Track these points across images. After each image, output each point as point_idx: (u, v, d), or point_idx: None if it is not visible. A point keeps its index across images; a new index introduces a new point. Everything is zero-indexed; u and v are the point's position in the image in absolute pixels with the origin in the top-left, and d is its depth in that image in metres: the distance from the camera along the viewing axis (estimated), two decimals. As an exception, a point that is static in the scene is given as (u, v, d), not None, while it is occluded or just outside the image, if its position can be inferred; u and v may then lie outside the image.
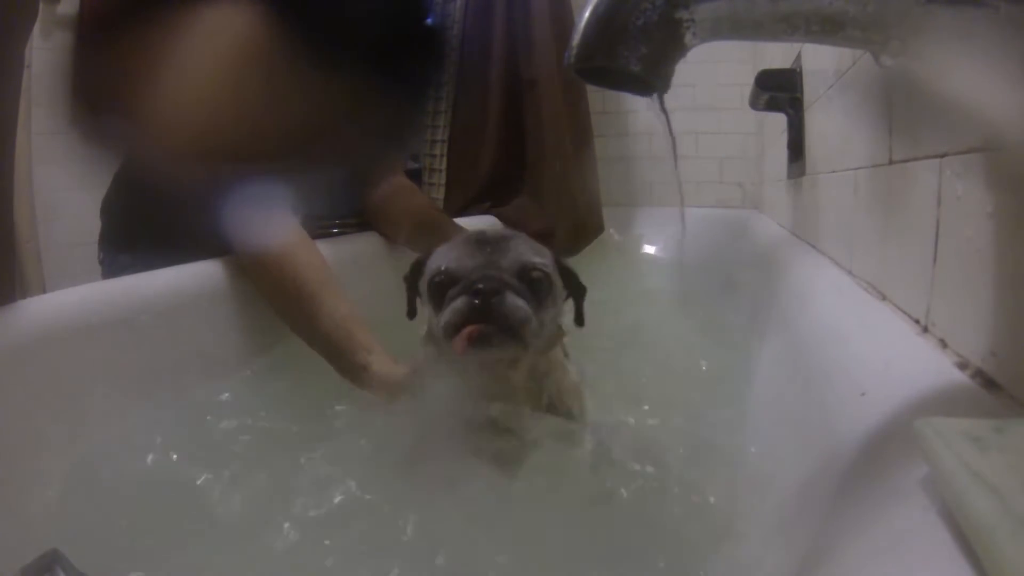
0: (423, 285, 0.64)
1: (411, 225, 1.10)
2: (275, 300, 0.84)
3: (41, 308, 0.64)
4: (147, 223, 0.79)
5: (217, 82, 0.46)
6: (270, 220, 0.76)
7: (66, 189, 1.55)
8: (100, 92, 0.46)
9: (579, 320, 0.69)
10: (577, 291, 0.68)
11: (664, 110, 0.44)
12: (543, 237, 1.89)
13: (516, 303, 0.56)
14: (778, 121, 1.13)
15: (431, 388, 0.68)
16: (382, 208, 1.15)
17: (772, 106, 1.07)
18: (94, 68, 0.48)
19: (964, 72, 0.36)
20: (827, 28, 0.37)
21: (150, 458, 0.63)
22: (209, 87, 0.46)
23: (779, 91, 1.03)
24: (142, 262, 0.79)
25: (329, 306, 0.80)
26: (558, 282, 0.64)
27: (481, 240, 0.62)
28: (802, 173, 0.99)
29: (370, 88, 0.51)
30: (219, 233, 0.80)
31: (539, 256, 0.61)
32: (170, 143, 0.46)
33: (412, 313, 0.69)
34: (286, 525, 0.56)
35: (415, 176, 1.73)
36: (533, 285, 0.59)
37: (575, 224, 1.72)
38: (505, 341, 0.56)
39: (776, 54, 1.20)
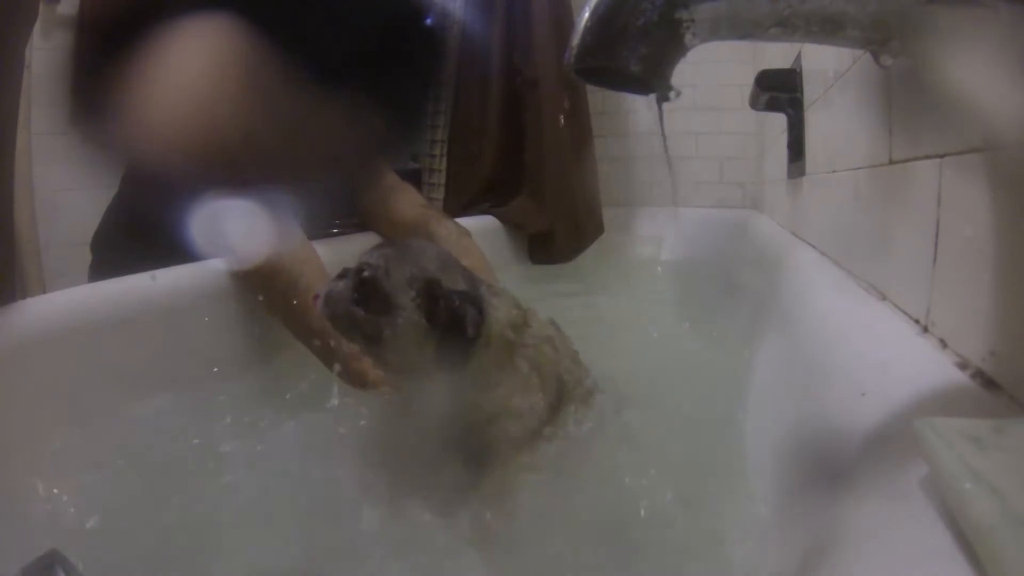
0: None
1: (406, 225, 1.10)
2: (268, 295, 0.83)
3: (41, 308, 0.64)
4: (138, 258, 0.79)
5: (207, 93, 0.46)
6: (267, 220, 0.76)
7: (66, 189, 1.55)
8: (98, 100, 0.46)
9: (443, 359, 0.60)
10: (451, 329, 0.59)
11: (660, 109, 0.44)
12: (543, 237, 1.88)
13: (335, 287, 0.60)
14: (778, 121, 1.13)
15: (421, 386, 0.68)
16: (377, 208, 1.15)
17: (772, 106, 1.07)
18: (92, 76, 0.48)
19: (964, 72, 0.36)
20: (827, 28, 0.37)
21: (150, 458, 0.63)
22: (199, 98, 0.46)
23: (779, 91, 1.02)
24: None
25: None
26: (401, 300, 0.58)
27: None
28: (802, 173, 0.99)
29: (369, 94, 0.51)
30: (209, 247, 0.79)
31: (378, 258, 0.60)
32: (162, 150, 0.46)
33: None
34: (287, 524, 0.56)
35: (415, 176, 1.73)
36: (359, 286, 0.59)
37: (575, 224, 1.72)
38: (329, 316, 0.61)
39: (776, 54, 1.20)
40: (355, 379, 0.77)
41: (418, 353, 0.59)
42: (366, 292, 0.58)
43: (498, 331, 0.62)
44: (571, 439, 0.64)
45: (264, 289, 0.83)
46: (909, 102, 0.47)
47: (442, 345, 0.58)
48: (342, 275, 0.61)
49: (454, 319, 0.57)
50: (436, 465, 0.61)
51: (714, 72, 1.81)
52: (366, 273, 0.58)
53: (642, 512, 0.55)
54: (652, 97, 0.43)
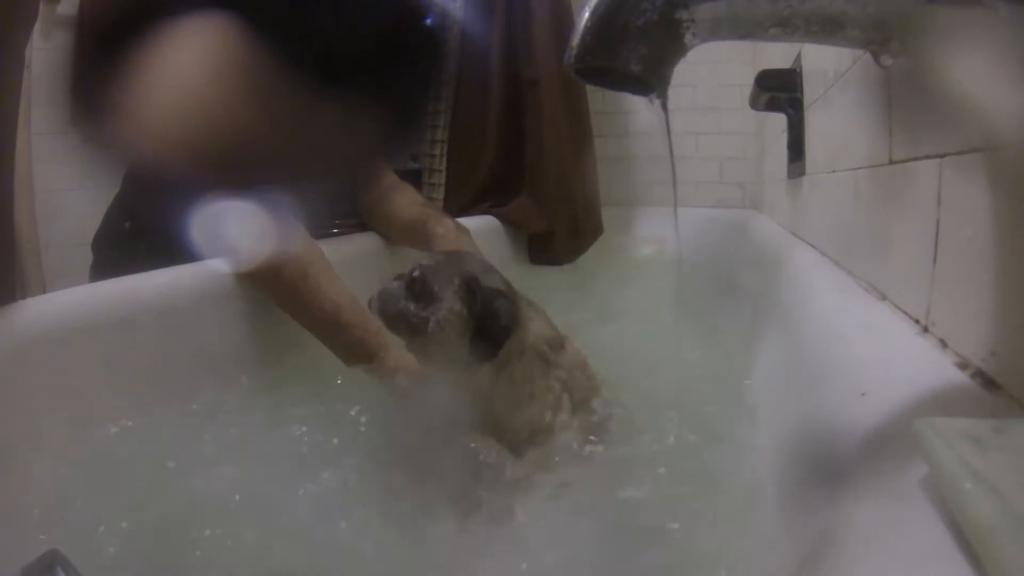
0: None
1: (405, 224, 1.10)
2: (275, 286, 0.82)
3: (41, 308, 0.64)
4: (139, 258, 0.79)
5: (207, 93, 0.46)
6: (269, 219, 0.75)
7: (66, 189, 1.55)
8: (98, 100, 0.46)
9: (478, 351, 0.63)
10: (486, 319, 0.63)
11: (665, 110, 0.44)
12: (543, 237, 1.87)
13: (390, 286, 0.66)
14: (778, 121, 1.13)
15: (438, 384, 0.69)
16: (377, 208, 1.15)
17: (772, 106, 1.07)
18: (92, 76, 0.48)
19: (964, 72, 0.36)
20: (827, 28, 0.37)
21: (150, 458, 0.63)
22: (199, 98, 0.46)
23: (779, 91, 1.03)
24: None
25: (336, 287, 0.80)
26: (444, 294, 0.63)
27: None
28: (802, 173, 0.99)
29: (369, 94, 0.51)
30: (210, 247, 0.78)
31: (430, 260, 0.67)
32: (162, 150, 0.46)
33: None
34: (285, 525, 0.56)
35: (415, 176, 1.73)
36: (411, 283, 0.65)
37: (574, 224, 1.72)
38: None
39: (776, 54, 1.20)
40: (373, 359, 0.77)
41: (458, 343, 0.63)
42: (416, 289, 0.65)
43: (534, 342, 0.66)
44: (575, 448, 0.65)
45: (271, 281, 0.82)
46: (909, 102, 0.47)
47: (478, 335, 0.63)
48: (397, 278, 0.67)
49: (489, 311, 0.63)
50: (447, 466, 0.61)
51: (714, 72, 1.81)
52: (417, 272, 0.65)
53: (641, 512, 0.55)
54: (650, 98, 0.43)
